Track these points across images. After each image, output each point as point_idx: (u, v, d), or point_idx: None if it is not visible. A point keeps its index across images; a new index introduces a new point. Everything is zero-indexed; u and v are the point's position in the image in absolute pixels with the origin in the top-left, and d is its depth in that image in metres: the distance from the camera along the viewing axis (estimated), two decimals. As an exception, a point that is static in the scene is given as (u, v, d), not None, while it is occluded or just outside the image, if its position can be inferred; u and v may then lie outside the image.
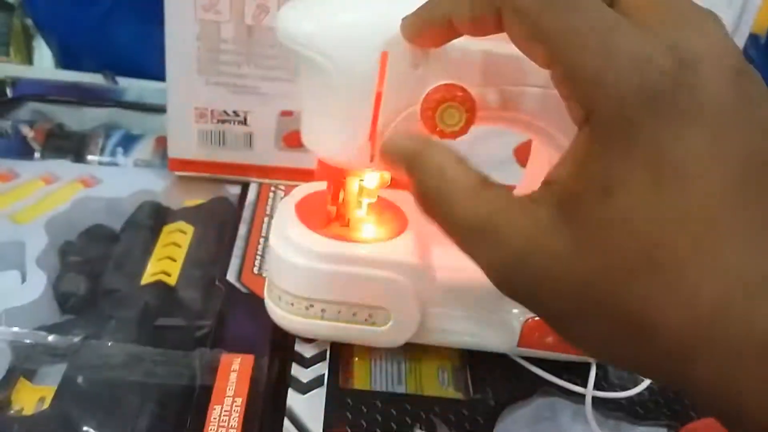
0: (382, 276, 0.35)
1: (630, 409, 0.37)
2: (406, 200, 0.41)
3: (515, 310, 0.37)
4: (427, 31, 0.28)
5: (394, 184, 0.37)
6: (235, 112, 0.49)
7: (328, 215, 0.37)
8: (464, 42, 0.30)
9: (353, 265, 0.35)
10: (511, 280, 0.24)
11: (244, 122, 0.49)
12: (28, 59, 1.09)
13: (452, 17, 0.26)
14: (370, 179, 0.37)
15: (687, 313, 0.20)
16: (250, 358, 0.36)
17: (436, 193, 0.26)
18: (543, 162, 0.36)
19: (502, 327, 0.37)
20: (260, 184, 0.50)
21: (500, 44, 0.30)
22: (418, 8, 0.28)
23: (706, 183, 0.20)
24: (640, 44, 0.21)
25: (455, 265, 0.37)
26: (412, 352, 0.39)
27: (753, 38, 0.75)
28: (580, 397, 0.37)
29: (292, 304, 0.36)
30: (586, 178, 0.22)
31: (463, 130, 0.30)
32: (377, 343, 0.38)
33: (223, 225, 0.47)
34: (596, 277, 0.21)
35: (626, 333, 0.21)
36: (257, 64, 0.47)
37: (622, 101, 0.21)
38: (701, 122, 0.21)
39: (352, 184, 0.37)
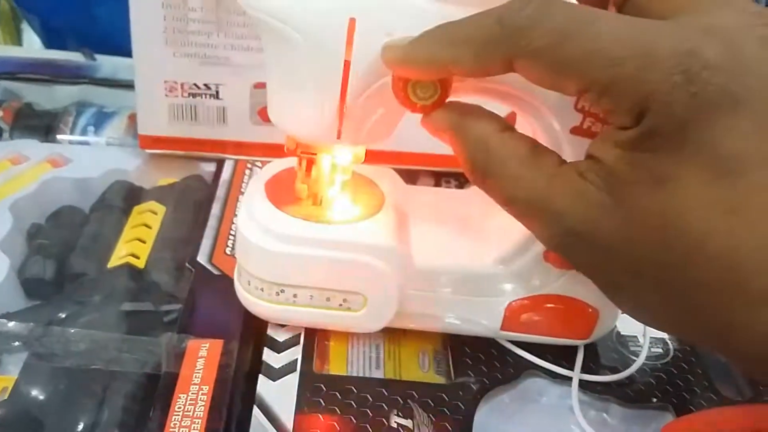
0: (356, 259, 0.33)
1: (619, 392, 0.36)
2: (383, 175, 0.38)
3: (497, 294, 0.35)
4: (415, 72, 0.26)
5: (369, 158, 0.35)
6: (206, 84, 0.46)
7: (299, 194, 0.35)
8: (439, 7, 0.28)
9: (325, 248, 0.33)
10: (568, 252, 0.25)
11: (216, 96, 0.47)
12: (18, 40, 1.07)
13: (451, 67, 0.24)
14: (343, 155, 0.34)
15: (740, 297, 0.21)
16: (218, 344, 0.35)
17: (484, 167, 0.25)
18: (525, 131, 0.34)
19: (485, 310, 0.35)
20: (236, 161, 0.48)
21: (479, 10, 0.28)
22: (408, 48, 0.26)
23: (760, 172, 0.20)
24: (675, 39, 0.21)
25: (434, 244, 0.36)
26: (392, 335, 0.37)
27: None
28: (567, 380, 0.36)
29: (262, 290, 0.34)
30: (639, 168, 0.21)
31: (438, 104, 0.28)
32: (353, 328, 0.36)
33: (196, 204, 0.45)
34: (653, 261, 0.22)
35: (680, 308, 0.22)
36: (227, 33, 0.45)
37: (670, 102, 0.20)
38: (751, 109, 0.20)
39: (324, 161, 0.34)
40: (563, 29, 0.21)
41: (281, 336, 0.36)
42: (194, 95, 0.46)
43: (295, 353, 0.35)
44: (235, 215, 0.43)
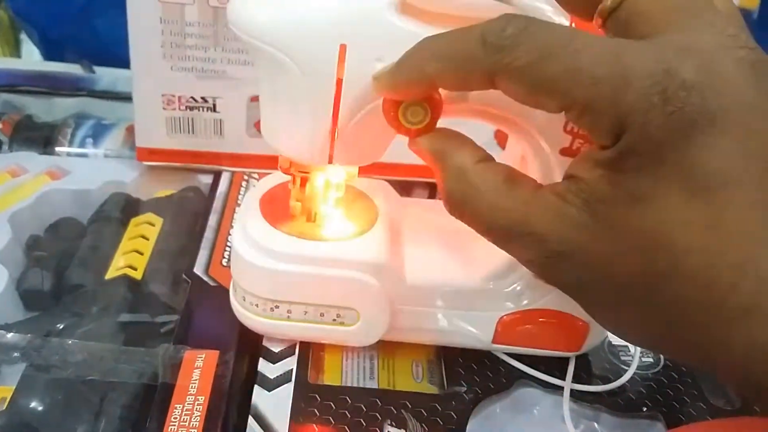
0: (349, 276, 0.33)
1: (611, 402, 0.36)
2: (377, 188, 0.39)
3: (489, 309, 0.35)
4: (404, 90, 0.27)
5: (362, 171, 0.36)
6: (203, 98, 0.47)
7: (293, 211, 0.36)
8: (430, 32, 0.28)
9: (318, 265, 0.33)
10: (549, 273, 0.25)
11: (214, 109, 0.47)
12: (16, 52, 1.08)
13: (436, 80, 0.25)
14: (336, 173, 0.35)
15: (717, 314, 0.21)
16: (214, 354, 0.35)
17: (461, 198, 0.26)
18: (516, 153, 0.34)
19: (477, 324, 0.35)
20: (232, 173, 0.49)
21: None
22: (394, 68, 0.26)
23: (736, 190, 0.21)
24: (651, 59, 0.21)
25: (427, 259, 0.36)
26: (386, 346, 0.37)
27: (745, 13, 0.73)
28: (559, 390, 0.36)
29: (257, 305, 0.35)
30: (618, 187, 0.22)
31: (428, 128, 0.28)
32: (347, 342, 0.36)
33: (193, 216, 0.46)
34: (634, 279, 0.22)
35: (660, 326, 0.23)
36: (224, 47, 0.46)
37: (647, 122, 0.20)
38: (727, 128, 0.20)
39: (317, 179, 0.35)
40: (543, 49, 0.21)
41: (277, 347, 0.36)
42: (192, 108, 0.47)
43: (290, 364, 0.35)
44: (232, 227, 0.44)
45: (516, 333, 0.35)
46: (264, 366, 0.35)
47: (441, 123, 0.29)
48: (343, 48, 0.28)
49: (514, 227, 0.24)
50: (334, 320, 0.35)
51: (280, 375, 0.35)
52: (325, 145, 0.31)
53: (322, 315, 0.35)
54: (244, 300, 0.35)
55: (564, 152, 0.29)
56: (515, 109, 0.29)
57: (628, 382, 0.37)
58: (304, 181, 0.35)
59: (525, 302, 0.35)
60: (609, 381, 0.37)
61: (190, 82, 0.46)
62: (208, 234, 0.43)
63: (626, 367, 0.37)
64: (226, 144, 0.48)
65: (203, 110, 0.47)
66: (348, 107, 0.29)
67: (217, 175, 0.49)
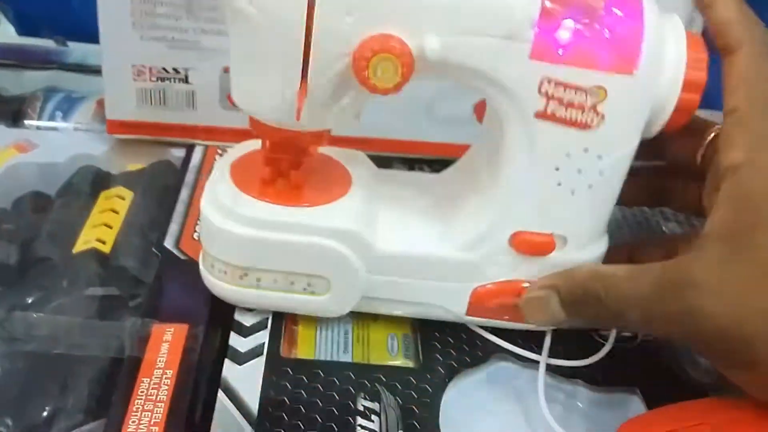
0: (319, 243, 0.33)
1: (588, 376, 0.36)
2: (353, 157, 0.38)
3: (462, 280, 0.34)
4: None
5: (333, 141, 0.35)
6: (175, 69, 0.46)
7: (264, 176, 0.35)
8: None
9: (288, 231, 0.33)
10: None
11: (186, 80, 0.46)
12: (-8, 27, 1.05)
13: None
14: (307, 137, 0.34)
15: None
16: (184, 328, 0.34)
17: None
18: (495, 122, 0.34)
19: (450, 296, 0.35)
20: (206, 147, 0.48)
21: None
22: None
23: None
24: None
25: (400, 228, 0.35)
26: (360, 319, 0.37)
27: None
28: (536, 364, 0.35)
29: (226, 273, 0.34)
30: None
31: (399, 86, 0.28)
32: (318, 312, 0.36)
33: (165, 189, 0.44)
34: None
35: None
36: (196, 16, 0.44)
37: None
38: None
39: (288, 143, 0.34)
40: None
41: (248, 320, 0.36)
42: (163, 79, 0.46)
43: (262, 337, 0.35)
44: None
45: (490, 305, 0.35)
46: (235, 340, 0.34)
47: (432, 87, 0.29)
48: (311, 2, 0.27)
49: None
50: (305, 289, 0.34)
51: (252, 348, 0.34)
52: (294, 105, 0.30)
53: (292, 283, 0.34)
54: (213, 267, 0.34)
55: (539, 115, 0.29)
56: (488, 75, 0.29)
57: (606, 355, 0.36)
58: (274, 145, 0.34)
59: (498, 274, 0.34)
60: (587, 355, 0.36)
61: (161, 53, 0.45)
62: (180, 208, 0.42)
63: (603, 341, 0.37)
64: (199, 116, 0.47)
65: (175, 81, 0.46)
66: (317, 64, 0.29)
67: (190, 149, 0.47)
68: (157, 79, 0.46)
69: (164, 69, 0.45)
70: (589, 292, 0.31)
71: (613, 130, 0.30)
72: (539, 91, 0.28)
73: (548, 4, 0.28)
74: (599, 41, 0.28)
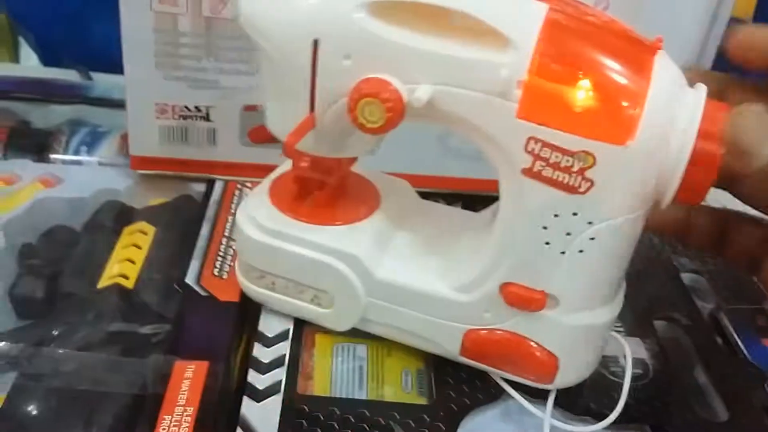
0: (324, 262, 0.35)
1: (598, 414, 0.36)
2: (392, 184, 0.41)
3: (454, 320, 0.35)
4: None
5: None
6: (196, 107, 0.47)
7: (292, 193, 0.38)
8: (397, 37, 0.29)
9: (297, 245, 0.36)
10: None
11: (207, 118, 0.47)
12: (15, 57, 1.08)
13: None
14: (331, 161, 0.37)
15: None
16: (204, 365, 0.35)
17: None
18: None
19: (443, 333, 0.36)
20: (225, 182, 0.49)
21: (437, 43, 0.29)
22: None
23: None
24: None
25: (408, 259, 0.37)
26: (376, 354, 0.38)
27: (739, 23, 0.73)
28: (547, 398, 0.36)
29: (248, 272, 0.38)
30: None
31: (384, 128, 0.30)
32: (322, 323, 0.38)
33: (186, 224, 0.46)
34: None
35: None
36: (217, 57, 0.46)
37: None
38: None
39: (314, 165, 0.37)
40: None
41: (266, 357, 0.37)
42: (185, 117, 0.47)
43: (280, 374, 0.36)
44: (224, 236, 0.44)
45: (483, 351, 0.35)
46: (253, 377, 0.35)
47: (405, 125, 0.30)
48: (315, 42, 0.30)
49: None
50: (312, 300, 0.37)
51: (270, 386, 0.35)
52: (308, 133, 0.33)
53: (301, 292, 0.37)
54: (240, 264, 0.39)
55: (525, 173, 0.29)
56: (476, 127, 0.30)
57: (615, 392, 0.37)
58: (297, 166, 0.37)
59: (491, 320, 0.34)
60: (597, 393, 0.37)
61: (183, 92, 0.46)
62: (200, 243, 0.43)
63: (615, 379, 0.38)
64: (219, 153, 0.49)
65: (196, 119, 0.47)
66: (322, 100, 0.32)
67: (210, 184, 0.49)
68: (180, 117, 0.47)
69: (186, 107, 0.47)
70: None
71: (605, 198, 0.29)
72: (525, 149, 0.28)
73: (540, 64, 0.28)
74: (591, 107, 0.27)
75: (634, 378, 0.39)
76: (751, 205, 0.28)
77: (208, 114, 0.47)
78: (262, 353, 0.37)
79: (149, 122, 0.47)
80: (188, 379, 0.34)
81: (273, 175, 0.40)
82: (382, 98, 0.29)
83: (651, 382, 0.39)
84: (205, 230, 0.44)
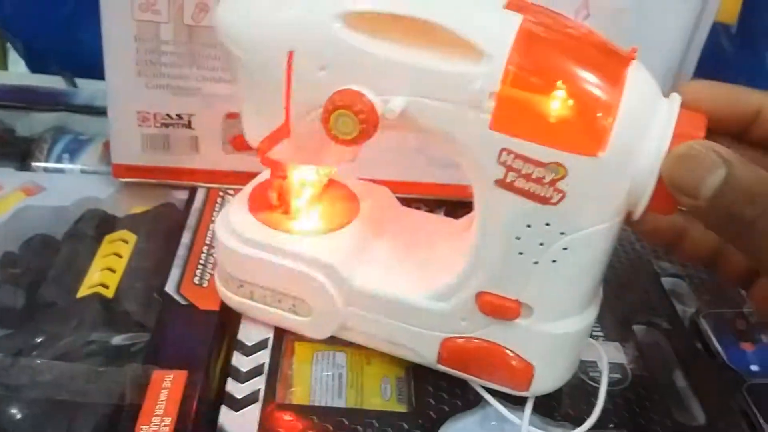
0: (300, 271, 0.35)
1: (577, 419, 0.36)
2: (373, 192, 0.41)
3: (431, 328, 0.35)
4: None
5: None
6: (178, 115, 0.47)
7: (271, 201, 0.38)
8: (372, 49, 0.29)
9: (275, 254, 0.36)
10: None
11: (189, 125, 0.47)
12: (3, 64, 1.07)
13: None
14: (308, 170, 0.37)
15: None
16: (183, 375, 0.35)
17: None
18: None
19: (420, 341, 0.36)
20: (208, 190, 0.49)
21: (411, 55, 0.29)
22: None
23: None
24: None
25: (386, 267, 0.37)
26: (355, 362, 0.38)
27: (724, 28, 0.73)
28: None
29: (228, 281, 0.38)
30: None
31: (358, 140, 0.30)
32: (300, 331, 0.38)
33: (168, 232, 0.46)
34: None
35: None
36: (199, 65, 0.46)
37: None
38: None
39: (291, 173, 0.37)
40: None
41: (245, 366, 0.37)
42: (167, 125, 0.47)
43: (259, 383, 0.36)
44: (205, 244, 0.44)
45: (459, 359, 0.35)
46: (232, 386, 0.36)
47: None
48: (290, 54, 0.30)
49: None
50: (290, 309, 0.37)
51: (248, 395, 0.35)
52: (284, 143, 0.33)
53: (279, 301, 0.37)
54: (219, 273, 0.39)
55: (498, 183, 0.29)
56: (451, 138, 0.30)
57: (594, 398, 0.37)
58: (275, 174, 0.37)
59: (467, 328, 0.34)
60: (576, 403, 0.37)
61: (165, 99, 0.47)
62: (181, 251, 0.43)
63: (595, 384, 0.38)
64: (202, 160, 0.49)
65: (178, 127, 0.47)
66: (296, 108, 0.32)
67: (193, 192, 0.49)
68: (162, 125, 0.47)
69: (168, 115, 0.47)
70: None
71: (577, 208, 0.29)
72: (498, 160, 0.29)
73: (513, 75, 0.28)
74: (563, 119, 0.28)
75: (613, 383, 0.39)
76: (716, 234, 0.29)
77: (190, 122, 0.47)
78: (241, 362, 0.37)
79: (131, 130, 0.47)
80: (166, 389, 0.34)
81: (252, 184, 0.40)
82: (355, 110, 0.29)
83: (630, 387, 0.39)
84: (186, 238, 0.44)
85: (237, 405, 0.34)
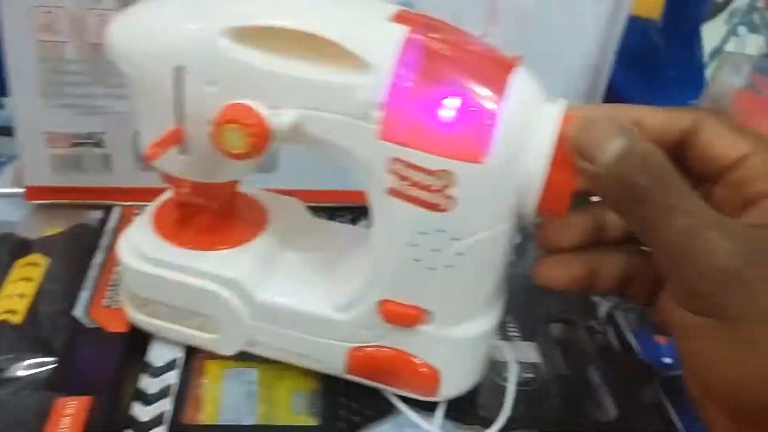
0: (204, 287, 0.35)
1: (488, 420, 0.36)
2: (283, 204, 0.41)
3: (336, 339, 0.35)
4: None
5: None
6: (88, 134, 0.46)
7: (174, 219, 0.37)
8: (260, 63, 0.29)
9: (177, 272, 0.35)
10: None
11: (100, 144, 0.47)
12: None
13: None
14: (210, 185, 0.36)
15: None
16: (86, 400, 0.35)
17: None
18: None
19: (328, 352, 0.36)
20: (123, 208, 0.48)
21: (299, 67, 0.29)
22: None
23: None
24: None
25: (291, 280, 0.37)
26: (266, 376, 0.38)
27: (650, 23, 0.74)
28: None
29: (131, 300, 0.38)
30: None
31: (249, 154, 0.30)
32: (210, 348, 0.38)
33: (81, 254, 0.45)
34: None
35: None
36: (106, 83, 0.45)
37: None
38: None
39: (193, 189, 0.36)
40: None
41: (153, 388, 0.36)
42: (77, 145, 0.47)
43: (165, 405, 0.35)
44: (117, 265, 0.44)
45: (368, 368, 0.35)
46: (138, 409, 0.35)
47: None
48: (178, 70, 0.30)
49: None
50: (198, 326, 0.37)
51: (154, 417, 0.35)
52: (177, 157, 0.33)
53: (186, 319, 0.37)
54: (124, 292, 0.38)
55: (390, 192, 0.30)
56: (341, 149, 0.30)
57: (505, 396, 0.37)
58: (176, 191, 0.37)
59: (369, 337, 0.35)
60: (489, 405, 0.37)
61: (73, 119, 0.46)
62: (92, 273, 0.43)
63: (505, 384, 0.38)
64: (115, 179, 0.48)
65: (89, 146, 0.47)
66: (189, 124, 0.32)
67: (108, 210, 0.48)
68: (71, 145, 0.47)
69: (78, 135, 0.46)
70: (663, 176, 0.26)
71: (468, 214, 0.29)
72: (389, 169, 0.29)
73: (398, 86, 0.28)
74: (447, 127, 0.28)
75: (526, 382, 0.39)
76: (612, 209, 0.29)
77: (100, 140, 0.47)
78: (148, 384, 0.36)
79: (40, 151, 0.47)
80: (69, 416, 0.34)
81: (157, 202, 0.39)
82: (244, 124, 0.29)
83: (543, 386, 0.39)
84: (98, 259, 0.44)
85: (142, 428, 0.34)
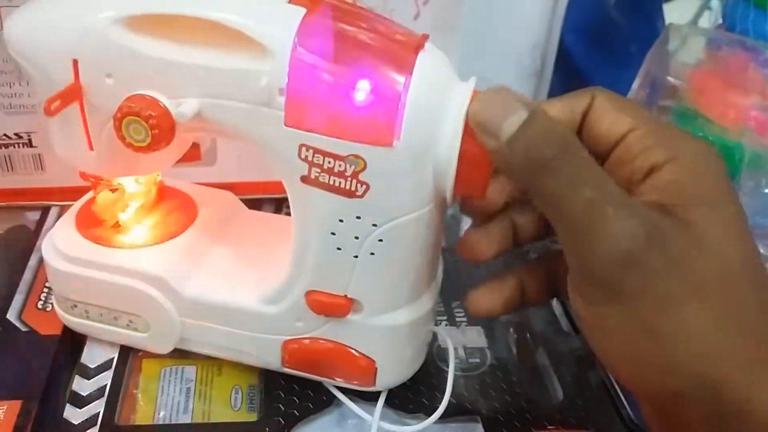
0: (130, 285, 0.34)
1: (430, 408, 0.36)
2: (215, 198, 0.40)
3: (268, 332, 0.35)
4: None
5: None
6: (17, 134, 0.45)
7: (98, 216, 0.37)
8: (157, 52, 0.28)
9: (101, 271, 0.35)
10: None
11: (30, 144, 0.45)
12: None
13: None
14: (130, 181, 0.36)
15: None
16: (16, 405, 0.34)
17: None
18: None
19: (261, 346, 0.35)
20: (61, 208, 0.47)
21: (198, 55, 0.29)
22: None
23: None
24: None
25: (219, 274, 0.36)
26: (205, 374, 0.37)
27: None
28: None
29: (60, 302, 0.37)
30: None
31: (153, 146, 0.29)
32: (143, 347, 0.37)
33: (17, 256, 0.44)
34: None
35: None
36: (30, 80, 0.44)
37: None
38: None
39: (114, 185, 0.36)
40: None
41: (86, 389, 0.35)
42: (6, 146, 0.45)
43: (98, 407, 0.34)
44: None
45: (303, 360, 0.35)
46: (70, 412, 0.34)
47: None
48: (75, 62, 0.29)
49: None
50: (128, 325, 0.36)
51: (86, 419, 0.34)
52: (90, 155, 0.32)
53: (116, 318, 0.36)
54: (54, 295, 0.37)
55: (304, 180, 0.29)
56: (250, 137, 0.30)
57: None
58: (95, 188, 0.36)
59: (301, 329, 0.34)
60: (432, 392, 0.37)
61: (0, 119, 0.44)
62: (27, 276, 0.42)
63: (445, 369, 0.38)
64: (50, 178, 0.47)
65: (19, 146, 0.45)
66: (93, 118, 0.31)
67: (45, 212, 0.47)
68: (1, 146, 0.45)
69: (6, 135, 0.45)
70: (566, 145, 0.26)
71: (383, 199, 0.29)
72: (299, 157, 0.28)
73: (298, 70, 0.27)
74: (354, 111, 0.27)
75: (472, 368, 0.39)
76: (517, 184, 0.29)
77: (30, 140, 0.45)
78: (82, 386, 0.36)
79: (-30, 154, 0.45)
80: (-4, 422, 0.33)
81: (80, 201, 0.38)
82: (144, 116, 0.28)
83: (488, 371, 0.39)
84: (33, 261, 0.43)
85: (74, 431, 0.33)
